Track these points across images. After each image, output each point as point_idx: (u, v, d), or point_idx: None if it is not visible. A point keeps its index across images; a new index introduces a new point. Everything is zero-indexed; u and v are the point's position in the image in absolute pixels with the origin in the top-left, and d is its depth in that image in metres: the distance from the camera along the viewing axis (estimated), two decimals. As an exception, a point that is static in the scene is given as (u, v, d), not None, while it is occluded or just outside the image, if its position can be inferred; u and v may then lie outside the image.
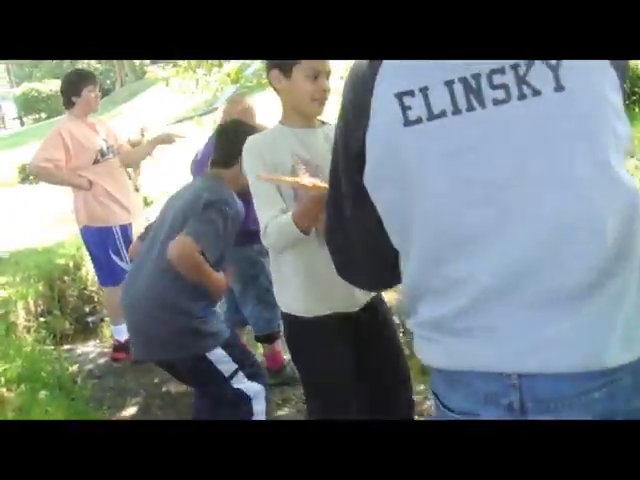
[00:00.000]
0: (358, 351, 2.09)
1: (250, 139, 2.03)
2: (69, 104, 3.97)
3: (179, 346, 2.47)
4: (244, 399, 2.52)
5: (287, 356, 3.31)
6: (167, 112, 17.09)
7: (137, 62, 27.32)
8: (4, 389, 3.34)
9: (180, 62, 7.04)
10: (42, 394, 3.32)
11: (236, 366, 2.52)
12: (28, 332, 4.78)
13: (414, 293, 1.12)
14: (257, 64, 12.91)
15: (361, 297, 2.06)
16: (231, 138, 2.60)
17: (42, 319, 5.06)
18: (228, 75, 6.84)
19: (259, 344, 3.67)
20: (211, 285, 2.46)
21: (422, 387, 3.02)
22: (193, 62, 6.61)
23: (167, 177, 7.18)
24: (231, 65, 7.08)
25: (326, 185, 1.27)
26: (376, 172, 1.08)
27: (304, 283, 2.01)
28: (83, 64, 24.38)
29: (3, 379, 3.41)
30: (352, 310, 2.06)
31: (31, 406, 3.13)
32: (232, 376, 2.51)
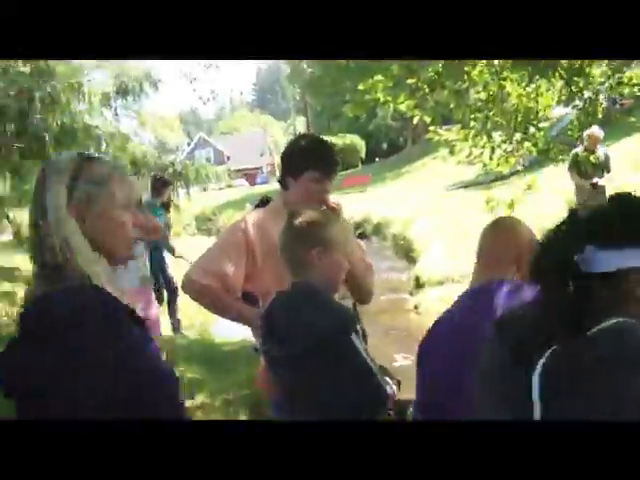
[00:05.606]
0: None
1: None
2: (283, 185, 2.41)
3: None
4: None
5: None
6: (453, 177, 15.83)
7: (428, 121, 26.45)
8: None
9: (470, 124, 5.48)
10: None
11: None
12: None
13: None
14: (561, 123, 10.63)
15: None
16: None
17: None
18: (535, 144, 5.05)
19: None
20: None
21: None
22: (488, 125, 4.95)
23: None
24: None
25: None
26: None
27: None
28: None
29: None
30: None
31: None
32: None
